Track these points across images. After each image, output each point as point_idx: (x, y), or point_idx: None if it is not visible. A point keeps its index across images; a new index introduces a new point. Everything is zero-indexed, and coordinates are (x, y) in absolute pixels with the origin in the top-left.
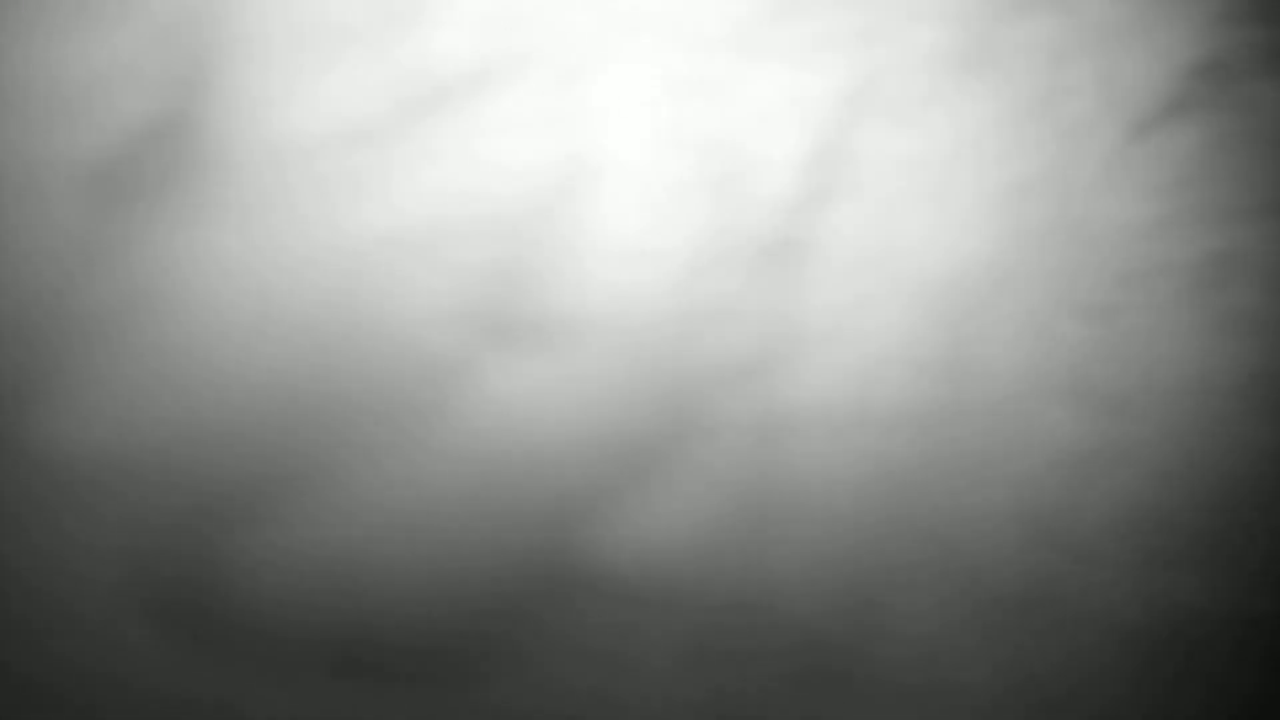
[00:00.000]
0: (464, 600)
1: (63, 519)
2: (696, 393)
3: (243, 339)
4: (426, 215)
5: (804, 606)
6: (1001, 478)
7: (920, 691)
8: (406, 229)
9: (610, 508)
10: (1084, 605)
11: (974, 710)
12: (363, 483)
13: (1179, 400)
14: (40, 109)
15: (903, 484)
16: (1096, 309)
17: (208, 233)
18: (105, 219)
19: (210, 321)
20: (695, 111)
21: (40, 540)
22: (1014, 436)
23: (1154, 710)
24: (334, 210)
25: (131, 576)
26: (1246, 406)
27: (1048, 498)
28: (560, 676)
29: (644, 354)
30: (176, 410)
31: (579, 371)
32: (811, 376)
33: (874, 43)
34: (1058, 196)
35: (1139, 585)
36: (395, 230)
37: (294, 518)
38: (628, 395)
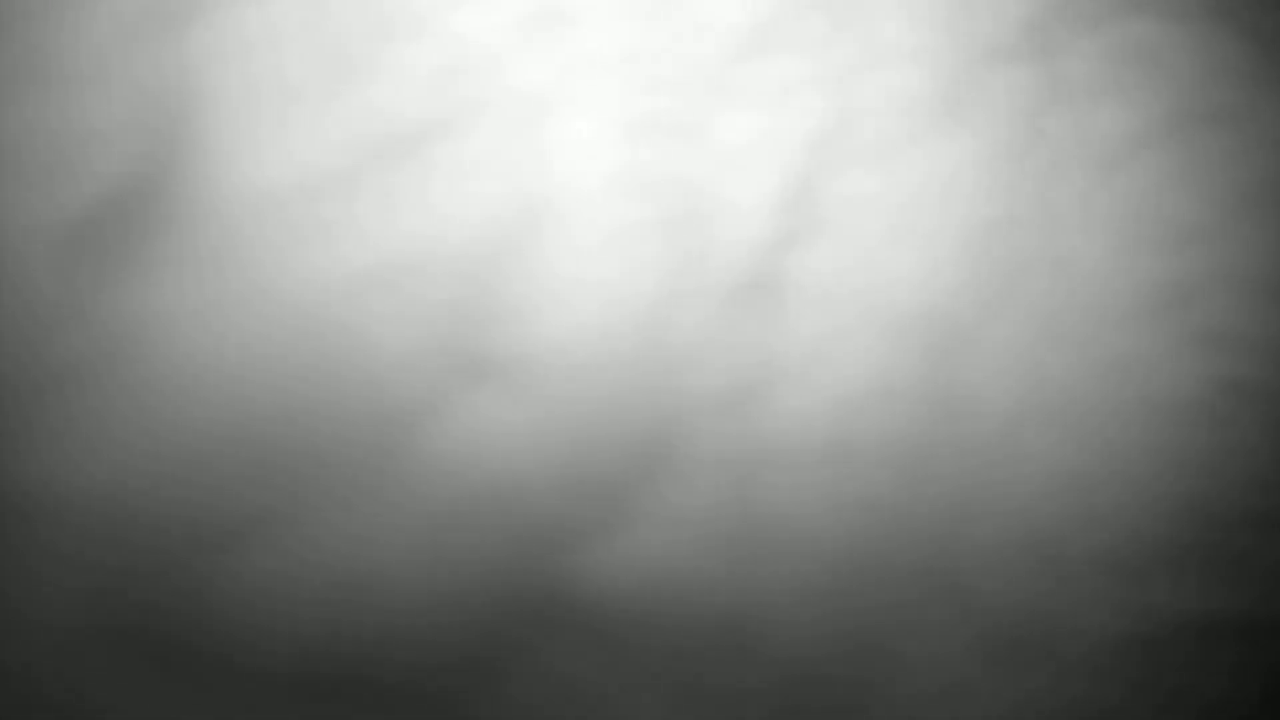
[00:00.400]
0: (438, 633)
1: (34, 557)
2: (670, 429)
3: (213, 384)
4: (395, 260)
5: (794, 642)
6: (991, 508)
7: None
8: (374, 274)
9: (585, 543)
10: (1082, 627)
11: None
12: (335, 519)
13: (1153, 416)
14: (13, 170)
15: (892, 518)
16: (1072, 336)
17: (177, 283)
18: (80, 273)
19: (181, 368)
20: (663, 153)
21: (11, 577)
22: (1000, 466)
23: None
24: (300, 258)
25: (100, 613)
26: (1216, 417)
27: (1039, 524)
28: (540, 710)
29: (615, 391)
30: (149, 454)
31: (549, 409)
32: (789, 411)
33: (845, 86)
34: (1033, 232)
35: (1131, 601)
36: (362, 276)
37: (268, 553)
38: (599, 432)
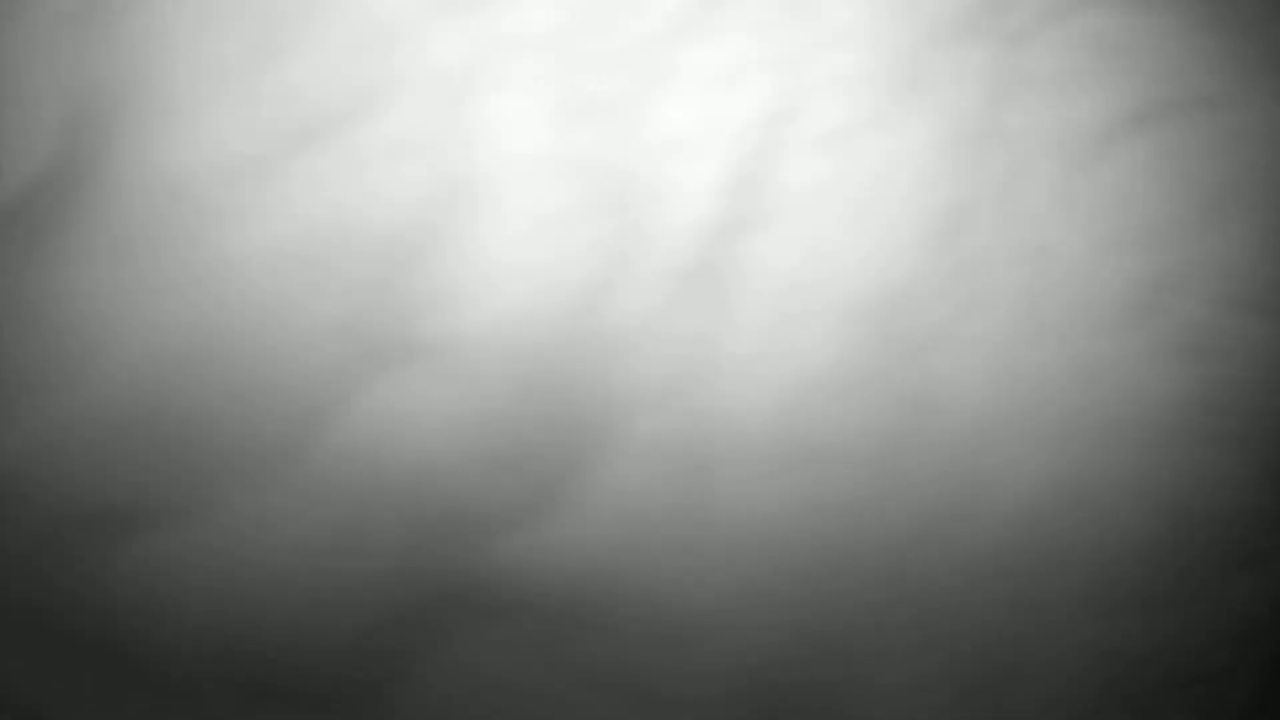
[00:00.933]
0: (354, 624)
1: None
2: (604, 417)
3: (128, 367)
4: (317, 243)
5: (738, 640)
6: (961, 510)
7: None
8: (295, 257)
9: (510, 530)
10: (1058, 630)
11: None
12: (253, 504)
13: (1127, 426)
14: None
15: (845, 514)
16: (1043, 333)
17: (95, 267)
18: None
19: (95, 351)
20: (599, 135)
21: None
22: (967, 460)
23: None
24: (219, 242)
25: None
26: (1193, 429)
27: (1015, 525)
28: (463, 705)
29: (546, 377)
30: (56, 437)
31: (476, 394)
32: (733, 402)
33: (794, 67)
34: (993, 218)
35: (1112, 602)
36: (283, 259)
37: (180, 538)
38: (528, 416)
